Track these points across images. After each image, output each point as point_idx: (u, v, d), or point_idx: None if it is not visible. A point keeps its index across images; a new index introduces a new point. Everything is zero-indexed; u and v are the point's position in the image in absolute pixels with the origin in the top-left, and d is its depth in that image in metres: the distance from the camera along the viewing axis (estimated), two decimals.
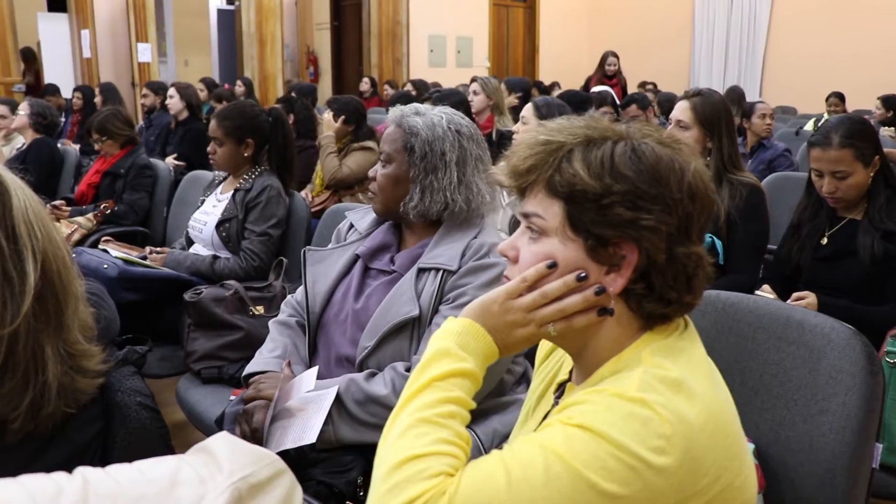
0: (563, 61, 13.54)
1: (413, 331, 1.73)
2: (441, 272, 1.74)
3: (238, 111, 3.03)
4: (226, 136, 2.94)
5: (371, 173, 1.90)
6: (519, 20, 13.76)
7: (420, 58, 12.08)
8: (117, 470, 0.77)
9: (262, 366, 1.87)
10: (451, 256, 1.75)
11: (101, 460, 1.16)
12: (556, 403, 1.16)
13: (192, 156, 5.38)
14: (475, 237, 1.80)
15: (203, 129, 5.60)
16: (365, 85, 9.75)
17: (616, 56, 8.15)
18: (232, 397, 2.42)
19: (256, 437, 1.68)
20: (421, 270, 1.77)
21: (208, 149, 2.98)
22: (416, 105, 1.93)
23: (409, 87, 7.53)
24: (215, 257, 2.86)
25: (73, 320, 1.08)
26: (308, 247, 1.99)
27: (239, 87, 8.49)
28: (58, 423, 1.07)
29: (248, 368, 1.90)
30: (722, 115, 2.72)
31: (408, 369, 1.68)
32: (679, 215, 0.98)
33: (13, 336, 0.99)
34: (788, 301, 2.34)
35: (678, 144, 1.03)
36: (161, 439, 1.30)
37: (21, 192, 1.05)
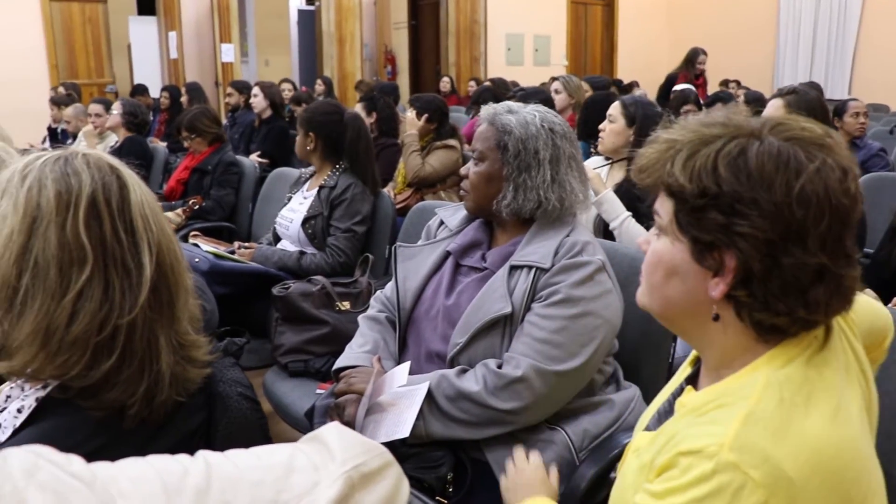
0: (641, 59, 13.32)
1: (505, 328, 1.72)
2: (534, 270, 1.73)
3: (316, 106, 3.17)
4: (299, 126, 3.10)
5: (463, 171, 1.91)
6: (597, 18, 13.60)
7: (497, 56, 12.05)
8: (235, 455, 0.79)
9: (352, 360, 1.90)
10: (544, 254, 1.74)
11: (205, 448, 1.20)
12: (681, 388, 1.15)
13: (275, 153, 5.48)
14: (567, 235, 1.79)
15: (286, 128, 5.71)
16: (445, 85, 9.77)
17: (705, 53, 7.87)
18: (318, 391, 2.46)
19: None
20: (513, 268, 1.76)
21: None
22: (508, 103, 1.92)
23: (487, 85, 7.52)
24: (302, 253, 2.91)
25: (183, 312, 1.12)
26: (399, 243, 2.01)
27: (319, 86, 8.62)
28: (169, 411, 1.10)
29: (339, 362, 1.92)
30: (818, 113, 2.64)
31: (499, 366, 1.68)
32: (784, 221, 0.91)
33: (131, 325, 1.03)
34: (889, 305, 2.25)
35: (824, 139, 0.95)
36: (261, 429, 1.33)
37: (138, 187, 1.09)
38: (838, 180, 0.93)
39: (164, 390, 1.07)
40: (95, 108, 5.82)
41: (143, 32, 11.26)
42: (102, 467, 0.70)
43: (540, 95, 4.10)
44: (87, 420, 1.03)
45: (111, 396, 1.03)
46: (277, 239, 3.14)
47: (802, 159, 0.93)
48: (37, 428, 1.04)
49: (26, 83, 8.74)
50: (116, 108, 5.40)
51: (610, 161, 3.00)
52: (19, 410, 1.06)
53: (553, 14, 12.69)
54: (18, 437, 1.04)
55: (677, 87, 6.96)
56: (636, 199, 2.81)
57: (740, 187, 0.92)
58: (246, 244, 3.09)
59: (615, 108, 2.94)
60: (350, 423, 1.71)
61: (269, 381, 2.55)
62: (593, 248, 1.79)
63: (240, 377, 1.32)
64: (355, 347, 1.94)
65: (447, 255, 1.92)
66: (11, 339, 1.02)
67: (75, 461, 0.69)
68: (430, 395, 1.67)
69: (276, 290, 2.58)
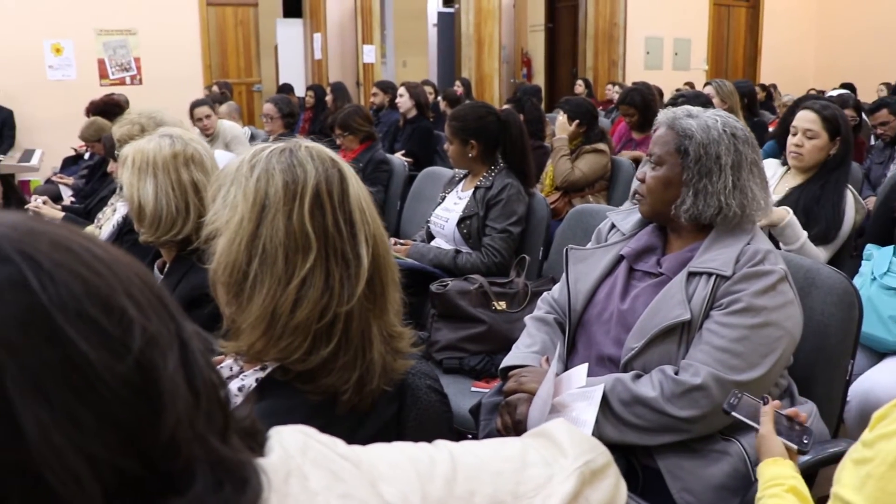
0: (786, 61, 12.81)
1: (682, 335, 1.69)
2: (714, 277, 1.69)
3: (466, 112, 3.12)
4: (453, 136, 3.04)
5: (639, 175, 1.89)
6: (741, 20, 13.18)
7: (636, 60, 11.83)
8: (471, 446, 0.81)
9: (521, 360, 1.90)
10: (724, 261, 1.70)
11: (397, 438, 1.23)
12: None
13: (419, 153, 5.57)
14: (748, 243, 1.74)
15: (430, 128, 5.80)
16: (580, 88, 9.69)
17: None
18: (473, 388, 2.49)
19: (519, 429, 1.71)
20: (691, 274, 1.73)
21: (445, 145, 3.09)
22: (688, 107, 1.89)
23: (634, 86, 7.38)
24: (458, 251, 2.94)
25: (392, 304, 1.15)
26: (570, 245, 2.00)
27: (458, 88, 8.70)
28: (374, 400, 1.13)
29: (506, 361, 1.93)
30: None
31: (676, 373, 1.65)
32: None
33: (349, 315, 1.07)
34: None
35: None
36: (447, 422, 1.35)
37: (355, 180, 1.13)
38: None
39: (374, 379, 1.10)
40: (201, 110, 5.49)
41: (289, 34, 11.70)
42: (361, 450, 0.72)
43: (700, 99, 3.99)
44: (305, 403, 1.08)
45: (327, 382, 1.07)
46: (430, 237, 3.19)
47: None
48: (258, 407, 1.09)
49: (182, 82, 9.21)
50: (269, 109, 5.56)
51: (787, 167, 2.90)
52: (240, 389, 1.12)
53: (694, 16, 12.37)
54: None
55: (832, 93, 6.63)
56: (815, 203, 2.71)
57: None
58: (401, 241, 3.15)
59: (814, 123, 2.80)
60: (521, 422, 1.72)
61: None
62: (775, 257, 1.74)
63: (427, 369, 1.34)
64: (522, 347, 1.95)
65: (620, 258, 1.91)
66: (239, 321, 1.08)
67: (339, 443, 0.72)
68: (603, 399, 1.66)
69: (434, 287, 2.62)
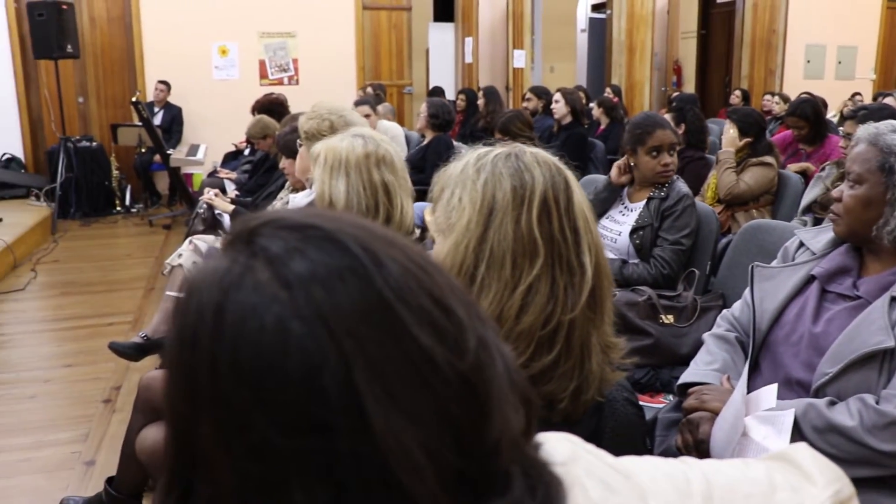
0: None
1: (883, 363, 1.61)
2: None
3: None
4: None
5: (835, 193, 1.82)
6: None
7: (795, 69, 11.30)
8: (718, 465, 0.80)
9: (700, 377, 1.87)
10: None
11: None
12: None
13: (574, 159, 5.50)
14: None
15: (585, 134, 5.75)
16: (736, 98, 9.37)
17: None
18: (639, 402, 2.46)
19: (701, 448, 1.68)
20: (895, 299, 1.65)
21: (666, 158, 2.94)
22: (892, 122, 1.80)
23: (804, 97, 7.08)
24: (624, 262, 2.90)
25: (609, 314, 1.16)
26: (756, 263, 1.95)
27: (609, 95, 8.60)
28: (586, 409, 1.14)
29: (685, 377, 1.90)
30: None
31: (877, 402, 1.58)
32: None
33: (571, 323, 1.08)
34: None
35: None
36: (642, 437, 1.34)
37: (578, 188, 1.14)
38: None
39: (590, 389, 1.11)
40: (363, 109, 5.48)
41: (440, 38, 11.90)
42: (625, 462, 0.73)
43: (884, 112, 3.77)
44: None
45: (546, 389, 1.09)
46: None
47: None
48: None
49: (337, 83, 9.53)
50: (423, 110, 5.69)
51: None
52: None
53: (863, 22, 11.67)
54: None
55: None
56: None
57: None
58: None
59: None
60: (704, 442, 1.69)
61: None
62: None
63: (623, 382, 1.34)
64: (702, 364, 1.91)
65: (810, 279, 1.84)
66: None
67: (604, 453, 0.72)
68: (794, 424, 1.61)
69: None
